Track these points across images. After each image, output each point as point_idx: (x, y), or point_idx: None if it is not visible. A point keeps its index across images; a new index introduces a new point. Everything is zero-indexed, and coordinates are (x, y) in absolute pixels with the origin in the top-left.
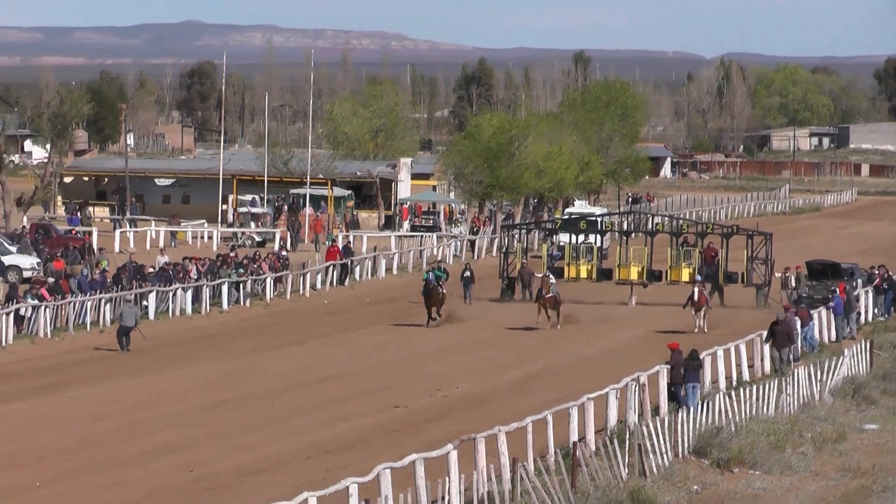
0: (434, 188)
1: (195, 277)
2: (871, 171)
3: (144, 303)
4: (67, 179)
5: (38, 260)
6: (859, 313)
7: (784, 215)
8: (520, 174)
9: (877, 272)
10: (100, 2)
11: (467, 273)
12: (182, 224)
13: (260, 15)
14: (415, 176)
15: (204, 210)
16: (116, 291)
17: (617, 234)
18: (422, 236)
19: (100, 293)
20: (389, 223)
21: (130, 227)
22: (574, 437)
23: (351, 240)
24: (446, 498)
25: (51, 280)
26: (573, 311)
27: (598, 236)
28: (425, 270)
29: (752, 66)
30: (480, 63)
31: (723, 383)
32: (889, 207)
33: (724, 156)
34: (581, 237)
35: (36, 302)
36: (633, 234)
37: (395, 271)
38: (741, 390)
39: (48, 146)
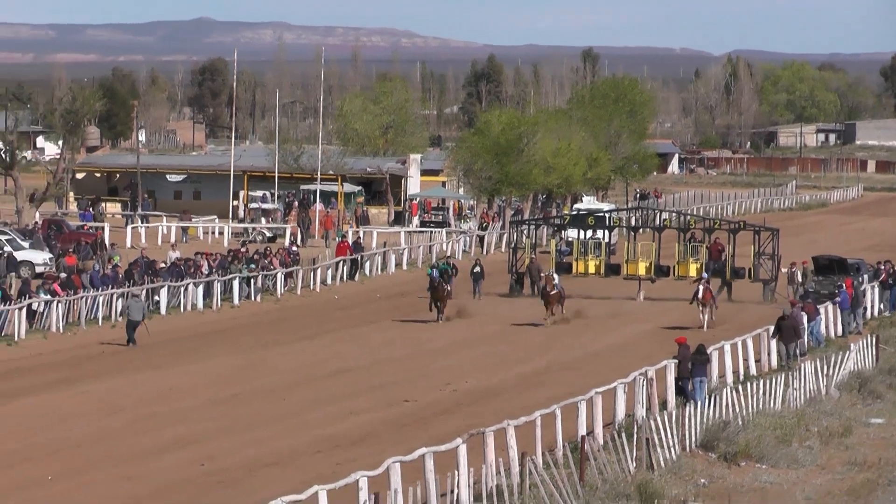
0: (443, 184)
1: (206, 273)
2: (878, 167)
3: (156, 298)
4: (80, 175)
5: (51, 255)
6: (865, 308)
7: (791, 211)
8: (528, 170)
9: (883, 267)
10: None
11: (477, 269)
12: (193, 220)
13: (271, 12)
14: (424, 172)
15: (215, 206)
16: (128, 287)
17: (625, 229)
18: (431, 232)
19: (112, 288)
20: (399, 219)
21: (142, 222)
22: (582, 430)
23: (361, 235)
24: (455, 491)
25: (63, 275)
26: (581, 306)
27: (606, 232)
28: (430, 266)
29: (759, 63)
30: (490, 60)
31: (730, 378)
32: (895, 203)
33: (732, 152)
34: (589, 233)
35: (48, 297)
36: (640, 230)
37: (404, 266)
38: (748, 385)
39: (60, 142)
